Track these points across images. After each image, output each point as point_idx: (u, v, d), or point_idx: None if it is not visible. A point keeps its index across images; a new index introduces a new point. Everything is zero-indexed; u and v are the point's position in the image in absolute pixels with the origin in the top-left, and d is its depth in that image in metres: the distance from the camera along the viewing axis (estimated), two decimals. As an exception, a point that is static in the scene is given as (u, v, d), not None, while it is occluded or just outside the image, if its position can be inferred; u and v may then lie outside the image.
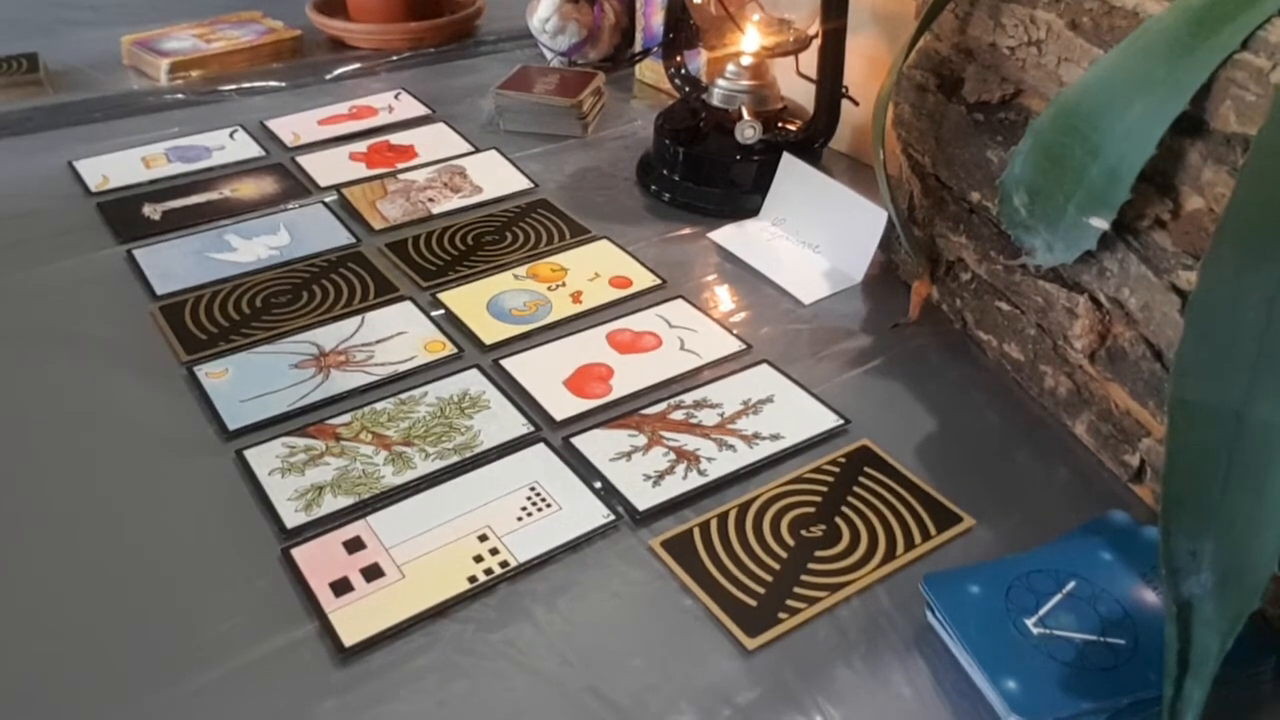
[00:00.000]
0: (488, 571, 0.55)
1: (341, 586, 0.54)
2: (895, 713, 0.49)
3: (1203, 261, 0.45)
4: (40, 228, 0.86)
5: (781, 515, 0.59)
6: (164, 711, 0.48)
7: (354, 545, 0.57)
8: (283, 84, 1.14)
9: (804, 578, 0.55)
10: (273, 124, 1.04)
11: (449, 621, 0.53)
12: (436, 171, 0.96)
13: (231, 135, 1.01)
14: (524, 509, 0.59)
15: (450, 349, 0.72)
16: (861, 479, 0.61)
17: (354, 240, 0.85)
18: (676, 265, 0.83)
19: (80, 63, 1.17)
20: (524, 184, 0.94)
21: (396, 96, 1.10)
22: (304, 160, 0.97)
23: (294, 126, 1.03)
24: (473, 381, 0.69)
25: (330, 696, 0.49)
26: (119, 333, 0.74)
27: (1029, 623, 0.50)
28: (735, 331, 0.74)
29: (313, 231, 0.86)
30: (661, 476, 0.61)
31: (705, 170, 0.91)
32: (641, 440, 0.64)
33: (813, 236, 0.84)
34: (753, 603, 0.54)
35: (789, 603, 0.54)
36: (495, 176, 0.95)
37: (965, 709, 0.48)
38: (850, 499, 0.60)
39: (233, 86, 1.13)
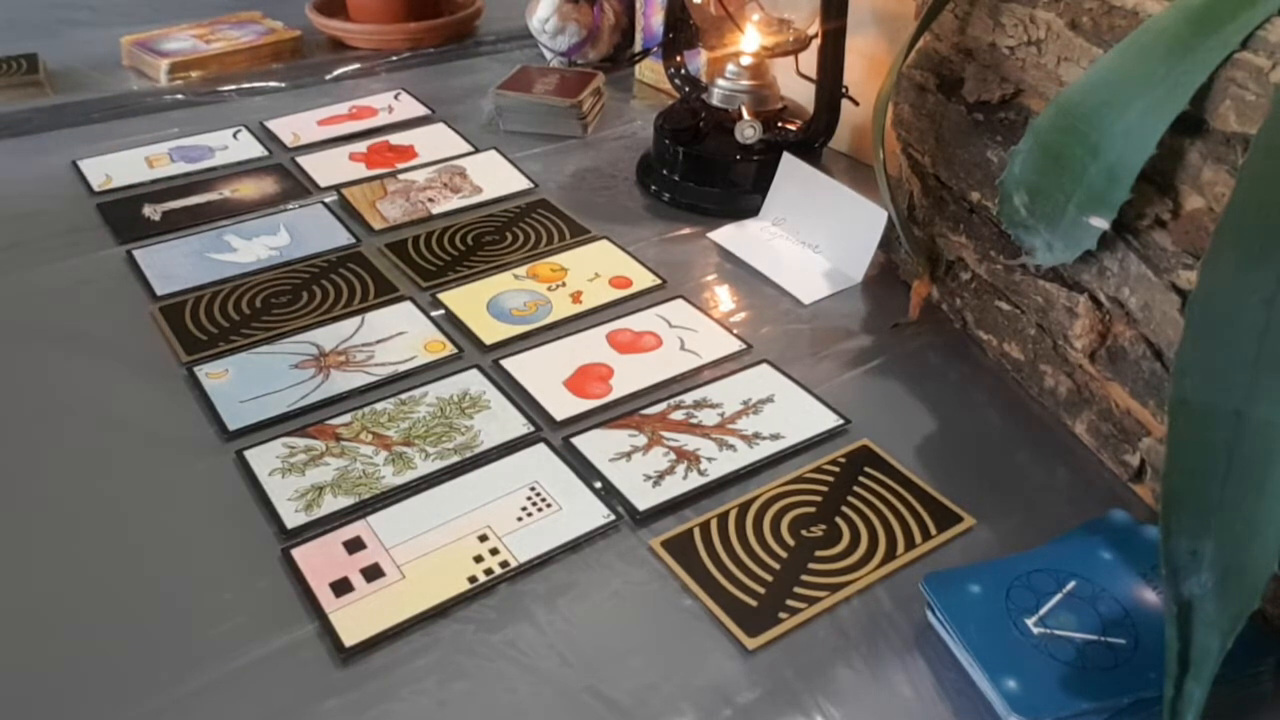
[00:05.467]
0: (488, 572, 0.55)
1: (342, 587, 0.54)
2: (896, 712, 0.49)
3: (1203, 261, 0.45)
4: (40, 228, 0.86)
5: (782, 515, 0.59)
6: (164, 712, 0.48)
7: (354, 545, 0.57)
8: (282, 84, 1.14)
9: (804, 577, 0.55)
10: (272, 124, 1.04)
11: (449, 621, 0.53)
12: (436, 172, 0.96)
13: (235, 135, 1.01)
14: (524, 509, 0.59)
15: (450, 349, 0.72)
16: (861, 479, 0.61)
17: (354, 240, 0.85)
18: (676, 265, 0.83)
19: (80, 63, 1.17)
20: (524, 184, 0.94)
21: (396, 97, 1.10)
22: (304, 161, 0.97)
23: (294, 127, 1.03)
24: (473, 381, 0.69)
25: (331, 697, 0.49)
26: (119, 333, 0.74)
27: (1029, 622, 0.50)
28: (735, 331, 0.74)
29: (313, 232, 0.86)
30: (661, 476, 0.61)
31: (705, 170, 0.91)
32: (641, 440, 0.64)
33: (813, 236, 0.84)
34: (753, 603, 0.54)
35: (789, 603, 0.53)
36: (495, 177, 0.95)
37: (965, 709, 0.48)
38: (850, 499, 0.60)
39: (232, 87, 1.13)
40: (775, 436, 0.64)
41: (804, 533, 0.58)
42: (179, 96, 1.11)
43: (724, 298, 0.79)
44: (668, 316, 0.76)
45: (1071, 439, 0.65)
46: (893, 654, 0.51)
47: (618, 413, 0.67)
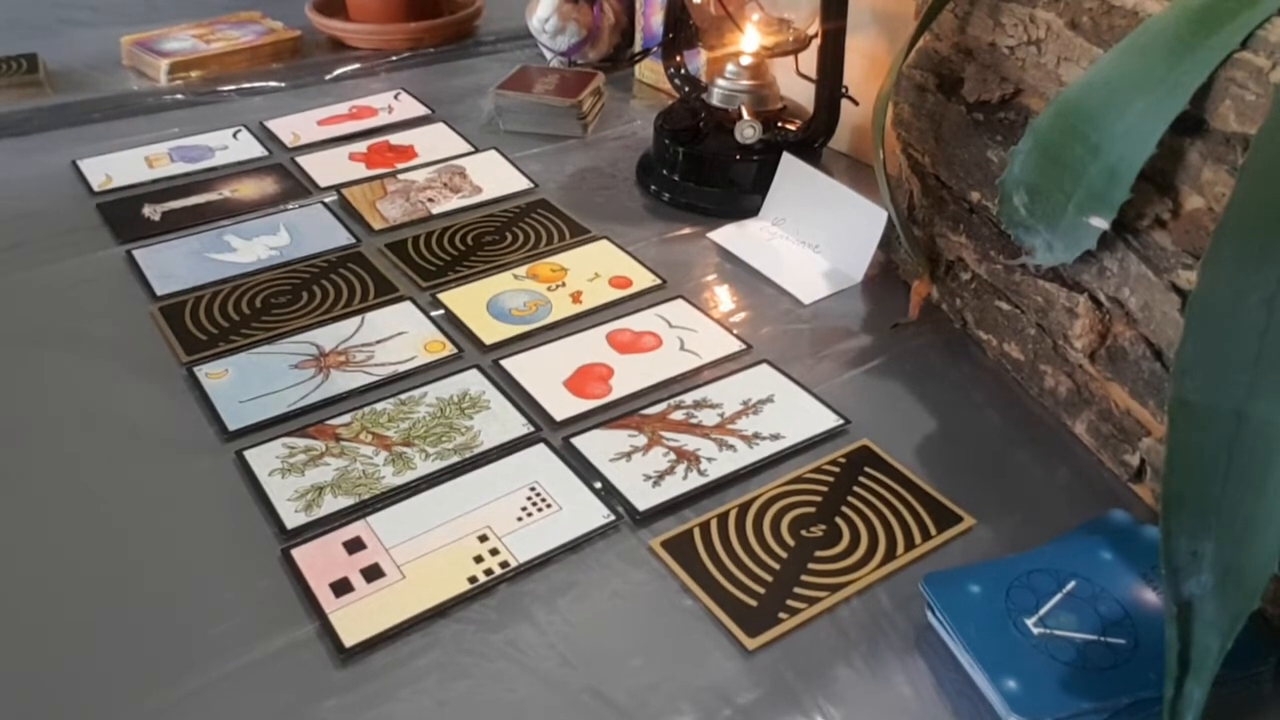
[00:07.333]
0: (488, 572, 0.55)
1: (341, 587, 0.54)
2: (896, 713, 0.49)
3: (1203, 261, 0.45)
4: (40, 228, 0.86)
5: (782, 515, 0.59)
6: (164, 712, 0.48)
7: (354, 545, 0.57)
8: (282, 84, 1.14)
9: (804, 578, 0.55)
10: (272, 124, 1.04)
11: (449, 622, 0.53)
12: (436, 171, 0.96)
13: (235, 135, 1.01)
14: (524, 509, 0.59)
15: (450, 349, 0.72)
16: (862, 479, 0.61)
17: (354, 240, 0.85)
18: (676, 265, 0.83)
19: (80, 63, 1.17)
20: (524, 184, 0.94)
21: (396, 97, 1.10)
22: (304, 160, 0.97)
23: (294, 127, 1.03)
24: (473, 382, 0.69)
25: (330, 697, 0.49)
26: (119, 333, 0.74)
27: (1029, 622, 0.50)
28: (735, 331, 0.74)
29: (313, 232, 0.86)
30: (661, 476, 0.61)
31: (705, 170, 0.91)
32: (641, 440, 0.64)
33: (813, 236, 0.84)
34: (753, 603, 0.53)
35: (789, 603, 0.53)
36: (495, 176, 0.95)
37: (965, 709, 0.48)
38: (850, 499, 0.60)
39: (232, 87, 1.13)
40: (775, 436, 0.64)
41: (804, 533, 0.58)
42: (179, 96, 1.11)
43: (724, 298, 0.79)
44: (668, 316, 0.76)
45: (1071, 439, 0.65)
46: (893, 654, 0.51)
47: (618, 413, 0.67)
